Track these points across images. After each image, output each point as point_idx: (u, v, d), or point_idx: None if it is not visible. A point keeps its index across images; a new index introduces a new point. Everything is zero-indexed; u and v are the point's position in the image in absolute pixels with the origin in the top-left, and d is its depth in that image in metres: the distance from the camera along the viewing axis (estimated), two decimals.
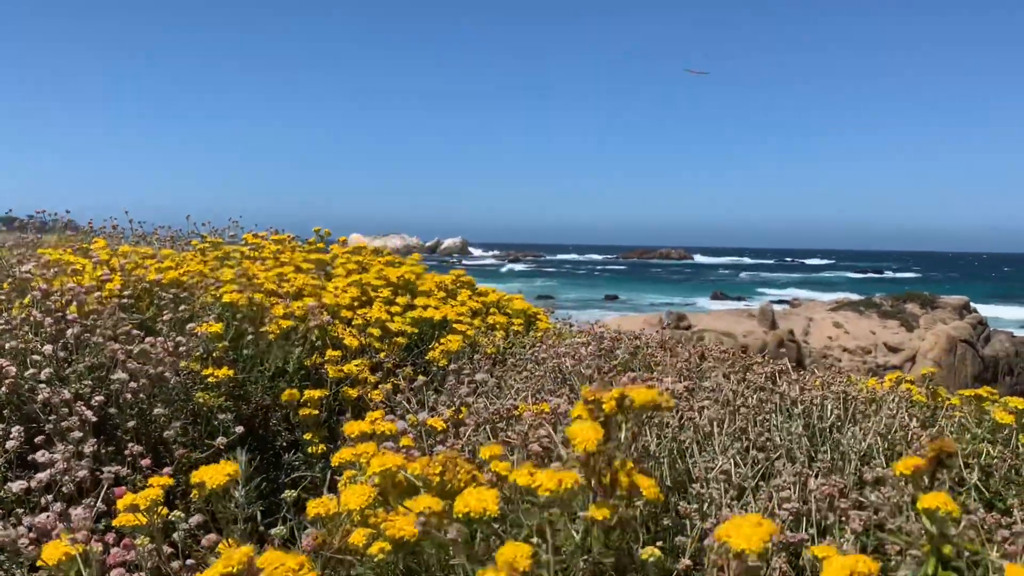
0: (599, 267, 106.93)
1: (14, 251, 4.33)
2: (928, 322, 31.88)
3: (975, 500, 2.11)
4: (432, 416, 2.33)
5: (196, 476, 1.68)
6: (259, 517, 2.44)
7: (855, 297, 37.25)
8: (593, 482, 1.47)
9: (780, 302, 44.48)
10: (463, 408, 2.21)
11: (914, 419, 2.54)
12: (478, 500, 1.35)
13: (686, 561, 1.63)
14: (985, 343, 29.31)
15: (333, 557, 1.53)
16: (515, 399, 2.42)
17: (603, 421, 1.51)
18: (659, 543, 1.67)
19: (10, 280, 3.64)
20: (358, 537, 1.35)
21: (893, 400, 2.61)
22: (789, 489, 1.85)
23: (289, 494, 1.99)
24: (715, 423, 2.17)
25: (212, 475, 1.62)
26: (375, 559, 1.41)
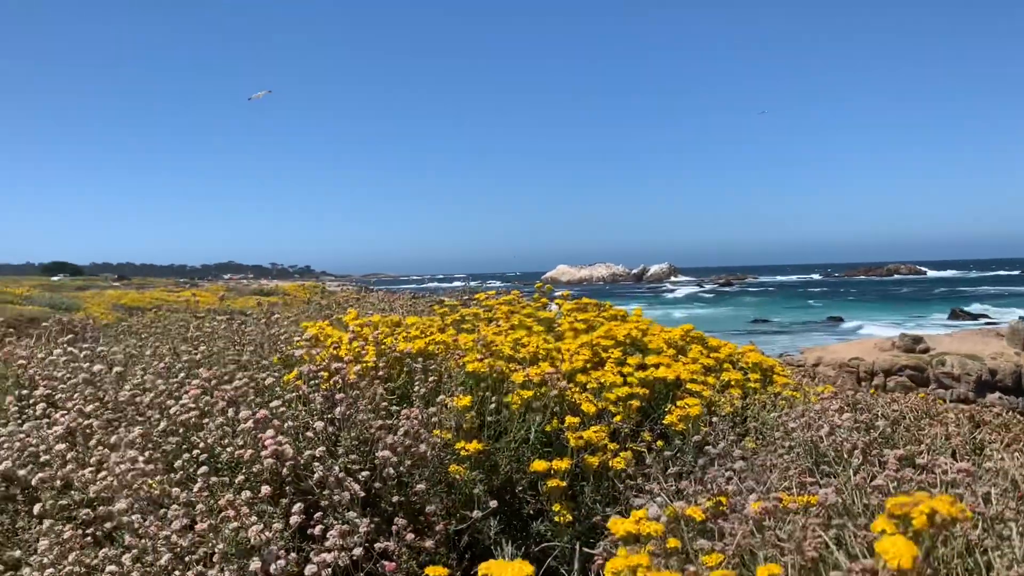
0: (819, 287, 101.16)
1: (279, 324, 4.78)
2: None
3: None
4: (685, 502, 2.30)
5: (488, 570, 1.74)
6: None
7: None
8: None
9: None
10: (722, 499, 2.16)
11: None
12: None
13: None
14: None
15: None
16: (776, 487, 2.33)
17: (912, 536, 1.43)
18: None
19: (279, 356, 4.04)
20: None
21: None
22: None
23: None
24: (1012, 523, 1.97)
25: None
26: None
